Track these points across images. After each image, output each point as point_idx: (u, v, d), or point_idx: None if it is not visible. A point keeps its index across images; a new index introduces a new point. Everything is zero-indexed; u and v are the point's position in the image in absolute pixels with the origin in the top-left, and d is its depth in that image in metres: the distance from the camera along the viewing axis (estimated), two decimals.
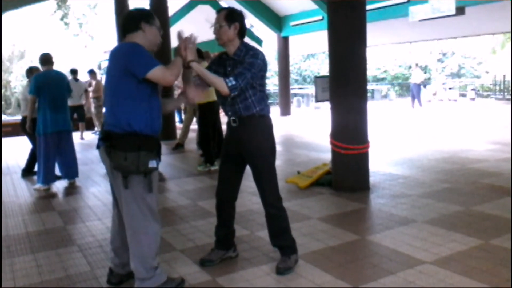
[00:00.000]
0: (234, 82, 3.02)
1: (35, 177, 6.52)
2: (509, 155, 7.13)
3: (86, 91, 12.16)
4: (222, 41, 3.19)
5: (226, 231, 3.49)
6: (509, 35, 24.10)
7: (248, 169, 3.34)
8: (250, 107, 3.16)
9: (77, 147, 6.77)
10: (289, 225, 3.39)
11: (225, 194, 3.41)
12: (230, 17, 3.15)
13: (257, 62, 3.10)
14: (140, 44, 2.86)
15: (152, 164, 2.82)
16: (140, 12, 3.00)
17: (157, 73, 2.78)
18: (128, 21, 2.96)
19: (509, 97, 20.23)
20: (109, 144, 2.81)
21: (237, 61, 3.15)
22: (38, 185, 6.04)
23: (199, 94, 3.16)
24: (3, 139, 12.26)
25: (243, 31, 3.20)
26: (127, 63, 2.78)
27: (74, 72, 11.69)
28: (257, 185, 3.31)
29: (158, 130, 2.95)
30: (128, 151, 2.76)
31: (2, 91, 28.75)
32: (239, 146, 3.25)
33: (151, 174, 2.87)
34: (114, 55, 2.88)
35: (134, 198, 2.86)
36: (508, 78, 22.43)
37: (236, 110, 3.19)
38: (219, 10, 3.22)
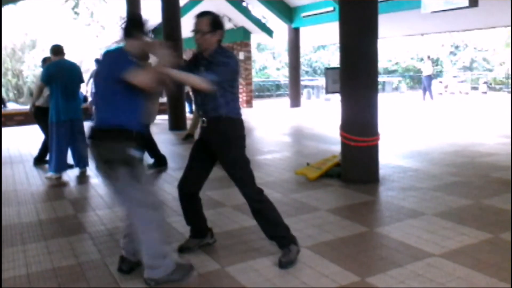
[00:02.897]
0: (213, 76, 3.01)
1: (47, 166, 6.59)
2: None
3: None
4: (203, 47, 3.16)
5: (195, 220, 3.54)
6: None
7: None
8: (218, 108, 3.15)
9: None
10: (279, 215, 3.36)
11: (188, 187, 3.43)
12: (215, 24, 3.13)
13: (231, 62, 3.11)
14: (126, 51, 3.00)
15: (133, 153, 2.93)
16: (137, 20, 3.11)
17: (133, 77, 2.88)
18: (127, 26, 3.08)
19: None
20: (95, 139, 2.99)
21: (210, 62, 3.13)
22: (50, 174, 6.11)
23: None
24: (15, 128, 12.41)
25: (223, 38, 3.19)
26: (112, 67, 2.97)
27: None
28: (235, 183, 3.32)
29: (140, 125, 3.07)
30: (110, 142, 2.93)
31: (15, 80, 29.00)
32: (209, 145, 3.31)
33: (137, 165, 2.96)
34: (104, 59, 3.13)
35: (123, 191, 2.98)
36: None
37: (205, 110, 3.20)
38: (200, 15, 3.17)
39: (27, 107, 7.99)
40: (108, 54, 3.15)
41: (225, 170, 3.30)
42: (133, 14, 3.15)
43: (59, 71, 6.03)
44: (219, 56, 3.13)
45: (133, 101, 3.01)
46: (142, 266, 3.10)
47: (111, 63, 3.03)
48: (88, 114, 12.85)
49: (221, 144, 3.24)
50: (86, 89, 13.45)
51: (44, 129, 6.76)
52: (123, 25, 3.08)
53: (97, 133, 3.01)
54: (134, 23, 3.07)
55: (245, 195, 3.30)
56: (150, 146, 6.83)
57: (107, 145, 2.95)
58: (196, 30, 3.14)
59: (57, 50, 6.19)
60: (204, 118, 3.25)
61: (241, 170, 3.26)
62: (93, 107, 12.73)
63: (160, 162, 6.75)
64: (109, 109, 3.01)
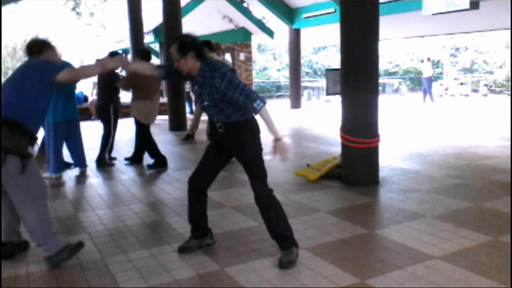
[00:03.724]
0: (258, 101, 3.12)
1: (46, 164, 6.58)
2: None
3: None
4: (185, 71, 3.23)
5: (198, 217, 3.58)
6: None
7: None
8: (230, 116, 3.23)
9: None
10: (285, 217, 3.40)
11: (199, 183, 3.48)
12: (183, 48, 3.15)
13: (230, 76, 3.12)
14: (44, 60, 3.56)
15: (30, 149, 3.26)
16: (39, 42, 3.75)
17: (67, 73, 3.41)
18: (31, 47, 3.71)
19: None
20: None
21: (202, 82, 3.20)
22: (49, 174, 6.10)
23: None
24: None
25: (200, 54, 3.20)
26: (36, 71, 3.38)
27: None
28: (249, 180, 3.37)
29: (36, 125, 3.41)
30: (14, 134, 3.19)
31: None
32: (226, 145, 3.37)
33: (29, 158, 3.27)
34: (27, 65, 3.56)
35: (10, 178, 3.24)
36: None
37: (219, 119, 3.27)
38: (170, 43, 3.23)
39: None
40: (31, 62, 3.63)
41: (242, 164, 3.37)
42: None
43: None
44: (210, 77, 3.14)
45: (40, 100, 3.37)
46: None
47: (36, 67, 3.50)
48: (88, 114, 12.90)
49: (238, 146, 3.31)
50: (92, 91, 13.50)
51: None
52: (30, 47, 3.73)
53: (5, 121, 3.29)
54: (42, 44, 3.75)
55: (257, 193, 3.33)
56: (150, 146, 6.83)
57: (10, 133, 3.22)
58: (173, 58, 3.22)
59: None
60: (219, 124, 3.29)
61: (257, 169, 3.32)
62: (92, 107, 12.80)
63: (160, 163, 6.75)
64: (17, 104, 3.32)
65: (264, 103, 3.15)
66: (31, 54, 3.69)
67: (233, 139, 3.30)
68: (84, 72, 3.72)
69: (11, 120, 3.21)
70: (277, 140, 3.16)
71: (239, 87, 3.11)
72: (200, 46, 3.24)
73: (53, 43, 3.85)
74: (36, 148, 3.16)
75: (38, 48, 3.69)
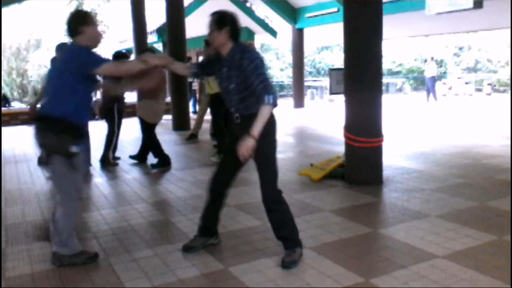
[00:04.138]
0: (271, 95, 3.06)
1: None
2: None
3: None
4: (215, 44, 3.24)
5: (212, 217, 3.59)
6: None
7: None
8: (250, 107, 3.20)
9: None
10: (292, 218, 3.39)
11: (219, 185, 3.48)
12: (221, 21, 3.18)
13: (258, 62, 3.13)
14: (83, 46, 3.23)
15: (73, 148, 3.20)
16: (76, 16, 3.32)
17: (110, 67, 3.21)
18: (68, 27, 3.30)
19: None
20: (47, 126, 3.20)
21: (231, 62, 3.19)
22: None
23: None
24: (20, 127, 12.45)
25: (235, 33, 3.21)
26: (73, 62, 3.18)
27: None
28: (259, 177, 3.35)
29: (82, 121, 3.36)
30: (57, 133, 3.17)
31: (19, 79, 29.10)
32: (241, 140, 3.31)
33: (74, 157, 3.23)
34: (63, 54, 3.43)
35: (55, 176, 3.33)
36: None
37: (238, 108, 3.25)
38: (212, 14, 3.24)
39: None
40: (69, 48, 3.40)
41: (255, 164, 3.32)
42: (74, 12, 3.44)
43: None
44: (240, 58, 3.13)
45: (82, 96, 3.25)
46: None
47: (73, 57, 3.25)
48: (92, 114, 12.93)
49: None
50: (96, 91, 13.46)
51: None
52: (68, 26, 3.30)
53: (43, 118, 3.28)
54: (78, 19, 3.28)
55: (265, 195, 3.30)
56: (154, 145, 6.84)
57: (50, 135, 3.20)
58: (208, 29, 3.23)
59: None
60: (236, 115, 3.28)
61: (269, 167, 3.29)
62: (96, 107, 12.83)
63: (164, 162, 6.76)
64: (59, 100, 3.24)
65: (275, 104, 3.10)
66: (71, 35, 3.29)
67: (248, 131, 3.19)
68: (127, 68, 3.41)
69: (52, 117, 3.18)
70: (251, 137, 3.05)
71: (262, 76, 3.09)
72: (238, 28, 3.24)
73: (93, 17, 3.42)
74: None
75: (76, 27, 3.25)
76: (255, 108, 3.16)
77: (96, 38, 3.32)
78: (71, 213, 3.36)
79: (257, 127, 3.05)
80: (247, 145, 3.05)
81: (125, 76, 3.61)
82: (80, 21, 3.25)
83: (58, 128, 3.16)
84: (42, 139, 3.24)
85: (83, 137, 3.34)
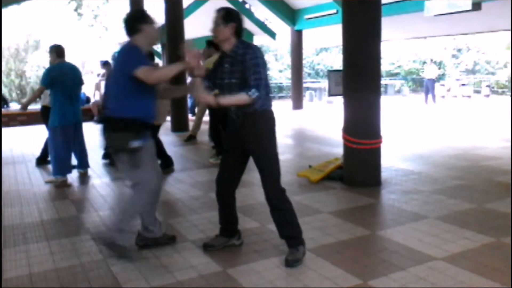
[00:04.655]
0: (257, 93, 3.13)
1: (49, 166, 6.59)
2: None
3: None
4: (218, 38, 3.30)
5: (228, 218, 3.60)
6: None
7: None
8: (251, 104, 3.20)
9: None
10: (295, 217, 3.41)
11: (224, 184, 3.49)
12: (227, 17, 3.26)
13: (260, 60, 3.19)
14: (136, 45, 3.29)
15: (133, 144, 3.26)
16: (135, 14, 3.42)
17: (141, 73, 3.16)
18: (126, 25, 3.36)
19: None
20: (107, 126, 3.35)
21: (234, 58, 3.24)
22: (54, 177, 6.04)
23: (210, 96, 3.29)
24: (18, 128, 12.44)
25: (239, 31, 3.31)
26: (122, 62, 3.30)
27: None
28: (260, 176, 3.36)
29: (148, 117, 3.43)
30: (116, 132, 3.29)
31: (18, 80, 29.06)
32: (241, 139, 3.33)
33: (136, 152, 3.30)
34: (117, 54, 3.48)
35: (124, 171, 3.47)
36: None
37: (240, 106, 3.25)
38: (218, 10, 3.33)
39: (30, 107, 7.97)
40: (121, 48, 3.49)
41: (256, 164, 3.33)
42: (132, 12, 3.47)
43: (61, 75, 5.92)
44: (244, 54, 3.20)
45: (142, 93, 3.30)
46: (157, 246, 3.66)
47: (121, 57, 3.38)
48: (90, 115, 12.91)
49: (254, 138, 3.28)
50: (94, 92, 13.50)
51: None
52: (126, 24, 3.36)
53: (108, 120, 3.39)
54: (137, 18, 3.35)
55: (269, 191, 3.31)
56: (157, 146, 6.82)
57: (113, 135, 3.34)
58: (213, 23, 3.28)
59: (60, 52, 6.10)
60: (235, 112, 3.30)
61: (272, 166, 3.31)
62: (96, 108, 12.82)
63: (167, 163, 6.74)
64: (119, 99, 3.35)
65: (259, 97, 3.16)
66: (129, 33, 3.34)
67: (250, 130, 3.27)
68: (159, 74, 3.24)
69: (111, 117, 3.31)
70: (217, 99, 3.17)
71: (259, 74, 3.15)
72: (242, 26, 3.34)
73: (152, 16, 3.41)
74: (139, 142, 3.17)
75: (136, 25, 3.31)
76: (256, 105, 3.20)
77: (154, 37, 3.41)
78: (138, 204, 3.42)
79: (226, 100, 3.21)
80: (207, 96, 3.24)
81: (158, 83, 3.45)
82: (140, 19, 3.33)
83: (115, 127, 3.28)
84: (106, 140, 3.38)
85: (144, 131, 3.39)
